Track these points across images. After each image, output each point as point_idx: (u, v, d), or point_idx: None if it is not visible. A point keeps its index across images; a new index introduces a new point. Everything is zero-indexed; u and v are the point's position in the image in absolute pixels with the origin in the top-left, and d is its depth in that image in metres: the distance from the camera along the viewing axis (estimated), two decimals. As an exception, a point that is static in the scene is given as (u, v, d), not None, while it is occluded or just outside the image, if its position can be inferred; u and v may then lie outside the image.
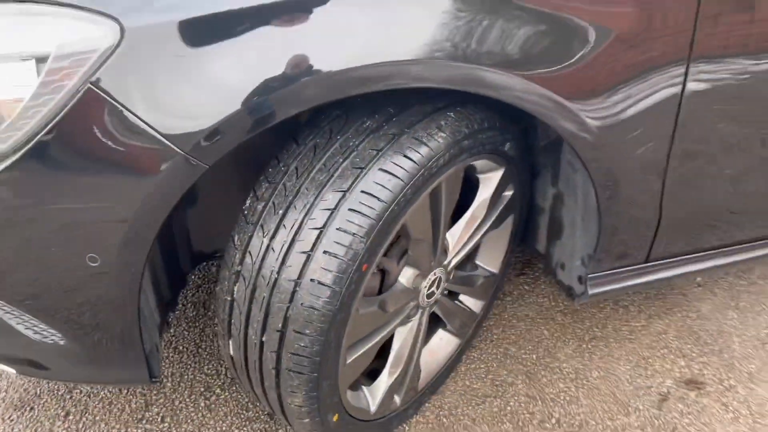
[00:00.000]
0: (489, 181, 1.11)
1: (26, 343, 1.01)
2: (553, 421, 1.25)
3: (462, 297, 1.29)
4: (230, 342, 0.99)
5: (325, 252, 0.86)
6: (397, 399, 1.17)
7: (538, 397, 1.29)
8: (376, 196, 0.87)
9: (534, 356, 1.39)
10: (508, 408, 1.27)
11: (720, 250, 1.25)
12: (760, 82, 1.02)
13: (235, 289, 0.94)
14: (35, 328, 1.01)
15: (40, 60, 0.78)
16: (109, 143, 0.81)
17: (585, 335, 1.43)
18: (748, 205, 1.23)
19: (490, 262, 1.30)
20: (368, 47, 0.79)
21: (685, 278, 1.32)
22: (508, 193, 1.18)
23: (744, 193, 1.18)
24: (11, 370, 1.06)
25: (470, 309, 1.31)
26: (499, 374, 1.35)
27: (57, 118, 0.78)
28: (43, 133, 0.79)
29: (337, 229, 0.87)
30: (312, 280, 0.87)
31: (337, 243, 0.86)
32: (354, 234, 0.87)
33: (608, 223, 1.09)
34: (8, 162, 0.81)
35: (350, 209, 0.87)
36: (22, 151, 0.80)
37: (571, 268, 1.23)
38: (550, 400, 1.29)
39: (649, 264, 1.20)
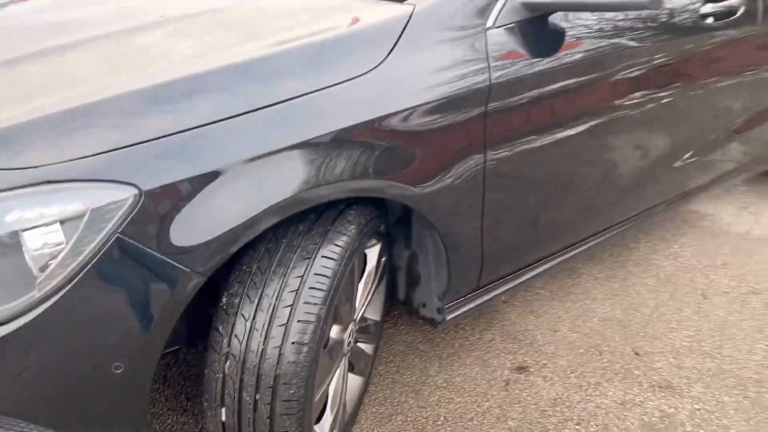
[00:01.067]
0: (374, 254, 1.57)
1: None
2: (442, 419, 1.70)
3: (360, 343, 1.71)
4: (223, 410, 1.28)
5: (298, 321, 1.23)
6: (335, 432, 1.53)
7: (426, 405, 1.74)
8: (324, 275, 1.27)
9: (413, 378, 1.84)
10: (408, 419, 1.70)
11: (531, 265, 1.85)
12: (531, 157, 1.61)
13: (226, 366, 1.25)
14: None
15: (78, 218, 1.07)
16: (134, 274, 1.11)
17: (443, 354, 1.93)
18: (543, 234, 1.84)
19: (374, 312, 1.74)
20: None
21: (508, 293, 1.88)
22: (383, 259, 1.64)
23: (539, 226, 1.79)
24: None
25: (366, 352, 1.73)
26: (393, 397, 1.77)
27: (96, 261, 1.07)
28: (87, 272, 1.06)
29: (303, 303, 1.24)
30: (293, 342, 1.23)
31: (306, 312, 1.24)
32: (315, 304, 1.25)
33: (453, 267, 1.61)
34: (55, 300, 1.06)
35: (309, 287, 1.26)
36: (69, 287, 1.06)
37: (431, 305, 1.71)
38: (434, 405, 1.74)
39: (480, 289, 1.75)
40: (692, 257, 2.43)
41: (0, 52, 1.45)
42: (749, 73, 2.15)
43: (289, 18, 1.50)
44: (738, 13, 1.95)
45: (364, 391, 1.73)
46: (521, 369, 1.88)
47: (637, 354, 1.93)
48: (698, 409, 1.73)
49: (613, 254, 2.44)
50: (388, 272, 1.73)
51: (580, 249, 1.99)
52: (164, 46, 1.41)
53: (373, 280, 1.61)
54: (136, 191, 1.08)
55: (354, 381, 1.68)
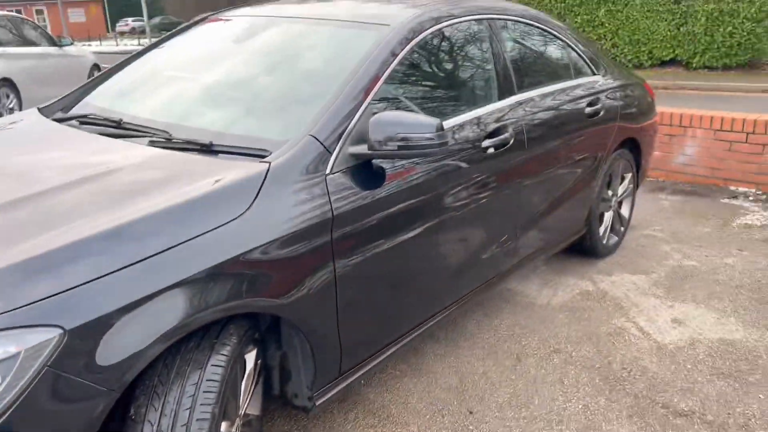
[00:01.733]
0: (251, 357, 1.91)
1: None
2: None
3: (245, 437, 2.01)
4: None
5: (197, 419, 1.55)
6: None
7: (305, 482, 2.06)
8: (215, 380, 1.61)
9: (292, 460, 2.16)
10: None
11: (382, 349, 2.27)
12: (372, 264, 2.07)
13: None
14: None
15: (12, 358, 1.34)
16: (63, 396, 1.39)
17: (315, 436, 2.28)
18: (390, 322, 2.28)
19: (254, 408, 2.05)
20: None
21: (365, 375, 2.27)
22: (259, 361, 1.99)
23: (386, 316, 2.23)
24: None
25: (251, 443, 2.03)
26: (276, 480, 2.07)
27: (27, 393, 1.34)
28: (17, 405, 1.33)
29: (200, 404, 1.57)
30: (195, 438, 1.54)
31: (202, 412, 1.56)
32: (210, 404, 1.58)
33: (318, 360, 1.99)
34: None
35: (204, 391, 1.58)
36: (4, 416, 1.32)
37: (302, 395, 2.07)
38: (312, 480, 2.07)
39: (341, 375, 2.14)
40: (508, 328, 3.01)
41: None
42: (525, 183, 2.83)
43: (168, 181, 1.85)
44: (510, 143, 2.62)
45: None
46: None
47: (471, 413, 2.41)
48: (517, 449, 2.22)
49: (448, 333, 2.95)
50: (263, 372, 2.07)
51: (421, 330, 2.47)
52: (73, 208, 1.71)
53: (253, 380, 1.94)
54: (60, 330, 1.38)
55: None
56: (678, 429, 2.32)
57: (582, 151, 3.19)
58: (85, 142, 2.19)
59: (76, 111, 2.57)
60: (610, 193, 3.67)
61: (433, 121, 1.98)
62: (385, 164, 2.12)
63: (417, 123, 1.98)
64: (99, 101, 2.61)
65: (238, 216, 1.73)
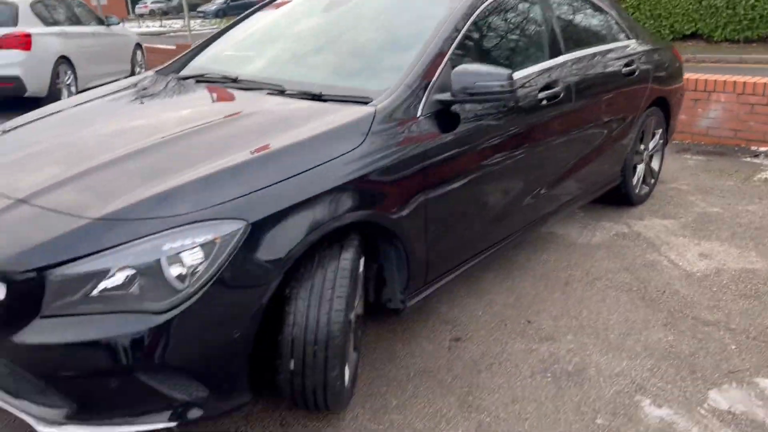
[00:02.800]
0: (361, 264, 2.37)
1: (178, 404, 1.86)
2: (411, 374, 2.50)
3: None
4: (292, 361, 2.00)
5: (338, 297, 2.01)
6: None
7: (397, 366, 2.53)
8: (347, 269, 2.06)
9: (384, 355, 2.63)
10: (388, 378, 2.48)
11: (455, 268, 2.73)
12: (452, 195, 2.51)
13: (294, 331, 1.98)
14: (185, 392, 1.86)
15: (211, 243, 1.81)
16: (247, 274, 1.86)
17: (403, 339, 2.74)
18: (463, 245, 2.73)
19: (359, 307, 2.51)
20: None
21: (441, 288, 2.71)
22: (361, 270, 2.45)
23: (460, 240, 2.68)
24: (171, 424, 1.85)
25: (358, 334, 2.49)
26: (373, 364, 2.54)
27: (220, 272, 1.80)
28: (215, 279, 1.80)
29: (339, 286, 2.02)
30: (336, 311, 1.99)
31: (340, 290, 2.02)
32: (345, 287, 2.03)
33: (411, 270, 2.45)
34: (200, 294, 1.78)
35: (341, 277, 2.04)
36: (206, 287, 1.79)
37: (395, 299, 2.53)
38: (404, 366, 2.54)
39: (426, 284, 2.60)
40: (555, 261, 3.45)
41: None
42: (571, 133, 3.25)
43: (304, 119, 2.31)
44: (560, 96, 3.04)
45: (358, 362, 2.49)
46: (456, 340, 2.74)
47: (529, 322, 2.87)
48: (572, 348, 2.67)
49: (501, 264, 3.40)
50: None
51: (486, 255, 2.92)
52: (229, 141, 2.17)
53: (361, 284, 2.41)
54: (245, 222, 1.85)
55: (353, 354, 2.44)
56: (706, 334, 2.76)
57: (619, 107, 3.60)
58: (215, 94, 2.65)
59: (190, 72, 3.03)
60: (642, 147, 4.08)
61: (505, 72, 2.42)
62: (461, 110, 2.55)
63: (492, 73, 2.41)
64: (208, 64, 3.07)
65: (356, 147, 2.18)
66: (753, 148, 5.48)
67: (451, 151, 2.49)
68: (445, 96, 2.46)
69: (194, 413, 1.89)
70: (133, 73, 10.29)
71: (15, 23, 7.53)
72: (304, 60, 2.85)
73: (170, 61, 3.28)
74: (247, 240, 1.85)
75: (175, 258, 1.78)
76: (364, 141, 2.21)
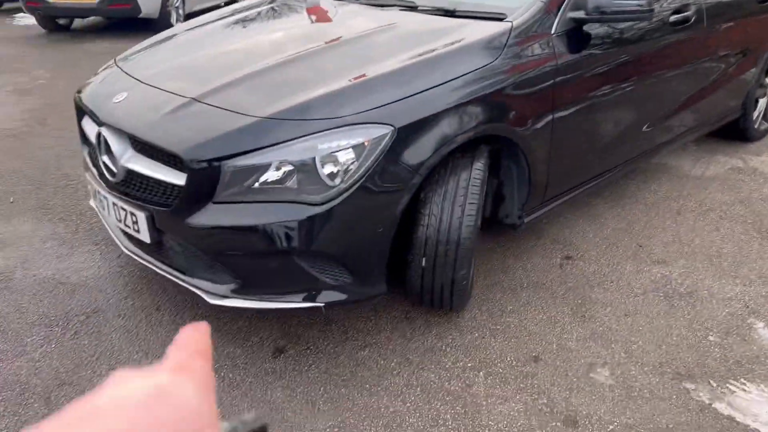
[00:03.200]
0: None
1: (325, 287, 2.07)
2: (524, 284, 2.64)
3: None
4: (423, 259, 2.18)
5: (470, 203, 2.15)
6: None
7: (510, 277, 2.68)
8: (478, 177, 2.19)
9: (500, 265, 2.78)
10: (504, 287, 2.63)
11: (572, 189, 2.81)
12: (584, 115, 2.58)
13: (427, 231, 2.14)
14: (332, 277, 2.08)
15: (361, 145, 1.96)
16: (390, 176, 2.01)
17: (515, 252, 2.88)
18: (581, 167, 2.80)
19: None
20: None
21: (556, 207, 2.81)
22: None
23: (579, 161, 2.75)
24: (319, 304, 2.08)
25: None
26: (490, 271, 2.70)
27: (369, 172, 1.97)
28: (365, 177, 1.96)
29: (470, 193, 2.16)
30: (467, 215, 2.14)
31: (473, 197, 2.16)
32: (477, 194, 2.17)
33: (532, 186, 2.55)
34: (350, 191, 1.96)
35: (472, 184, 2.18)
36: (356, 185, 1.96)
37: (513, 215, 2.65)
38: (514, 275, 2.69)
39: (544, 202, 2.70)
40: (666, 191, 3.45)
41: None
42: (696, 60, 3.18)
43: (442, 33, 2.41)
44: (691, 20, 2.97)
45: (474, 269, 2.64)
46: (568, 258, 2.85)
47: (640, 246, 2.93)
48: (683, 272, 2.73)
49: (613, 192, 3.44)
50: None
51: (600, 180, 2.97)
52: (375, 53, 2.31)
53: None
54: (392, 128, 1.99)
55: (470, 263, 2.60)
56: (824, 268, 2.74)
57: (749, 36, 3.47)
58: (351, 9, 2.78)
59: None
60: (767, 80, 3.92)
61: None
62: (591, 30, 2.57)
63: None
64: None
65: (493, 61, 2.26)
66: None
67: (581, 71, 2.52)
68: (579, 14, 2.48)
69: (338, 296, 2.11)
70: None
71: (130, -54, 7.82)
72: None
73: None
74: (393, 144, 2.00)
75: (329, 157, 1.96)
76: (500, 56, 2.28)
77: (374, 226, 2.05)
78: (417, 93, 2.08)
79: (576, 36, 2.52)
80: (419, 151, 2.06)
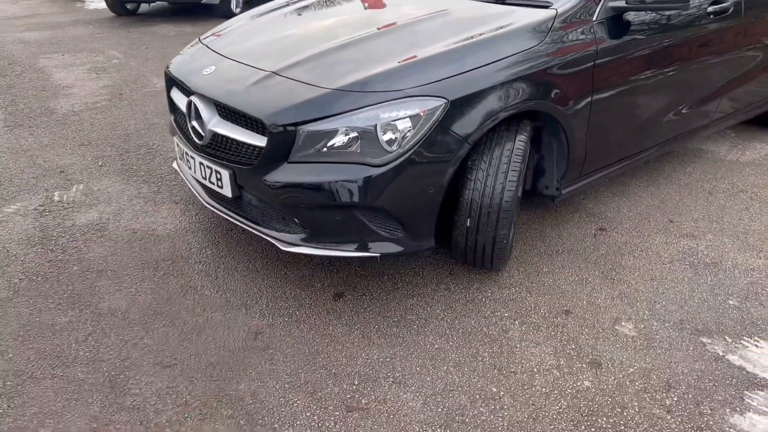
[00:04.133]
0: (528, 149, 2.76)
1: (382, 239, 2.38)
2: (559, 250, 2.90)
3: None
4: (468, 219, 2.46)
5: (512, 170, 2.42)
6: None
7: (542, 248, 2.94)
8: (521, 149, 2.45)
9: (536, 235, 3.03)
10: (534, 250, 2.90)
11: (608, 166, 3.05)
12: (621, 97, 2.81)
13: (472, 195, 2.42)
14: (388, 231, 2.38)
15: (417, 116, 2.25)
16: (443, 144, 2.30)
17: (552, 224, 3.13)
18: (617, 145, 3.03)
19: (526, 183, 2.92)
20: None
21: (593, 183, 3.05)
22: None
23: (614, 140, 2.98)
24: (375, 255, 2.39)
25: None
26: (526, 239, 2.96)
27: (423, 139, 2.25)
28: (419, 144, 2.25)
29: (513, 162, 2.43)
30: (510, 181, 2.41)
31: (515, 165, 2.42)
32: (519, 163, 2.43)
33: (570, 160, 2.80)
34: (406, 155, 2.25)
35: (515, 154, 2.44)
36: (411, 151, 2.25)
37: (552, 187, 2.90)
38: (545, 246, 2.94)
39: (581, 176, 2.94)
40: (701, 174, 3.64)
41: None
42: (734, 49, 3.35)
43: (491, 18, 2.67)
44: (729, 11, 3.15)
45: (514, 236, 2.91)
46: (602, 230, 3.09)
47: (670, 221, 3.14)
48: (710, 245, 2.94)
49: (648, 172, 3.64)
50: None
51: (636, 159, 3.20)
52: (429, 35, 2.60)
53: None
54: (445, 101, 2.27)
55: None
56: None
57: (788, 26, 3.61)
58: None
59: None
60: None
61: None
62: (631, 18, 2.79)
63: None
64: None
65: (539, 43, 2.51)
66: None
67: (619, 55, 2.75)
68: (620, 3, 2.71)
69: (393, 248, 2.41)
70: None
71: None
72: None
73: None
74: (446, 115, 2.28)
75: (389, 125, 2.25)
76: (545, 38, 2.54)
77: (426, 188, 2.34)
78: (468, 70, 2.35)
79: (616, 23, 2.74)
80: (469, 123, 2.34)
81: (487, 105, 2.37)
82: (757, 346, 2.31)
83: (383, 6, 3.14)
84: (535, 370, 2.20)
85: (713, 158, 3.85)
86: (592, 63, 2.65)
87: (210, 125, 2.53)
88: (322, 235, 2.43)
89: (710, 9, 3.07)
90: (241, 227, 2.60)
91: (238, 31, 3.11)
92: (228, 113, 2.50)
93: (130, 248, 2.90)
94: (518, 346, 2.31)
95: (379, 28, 2.71)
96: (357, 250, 2.41)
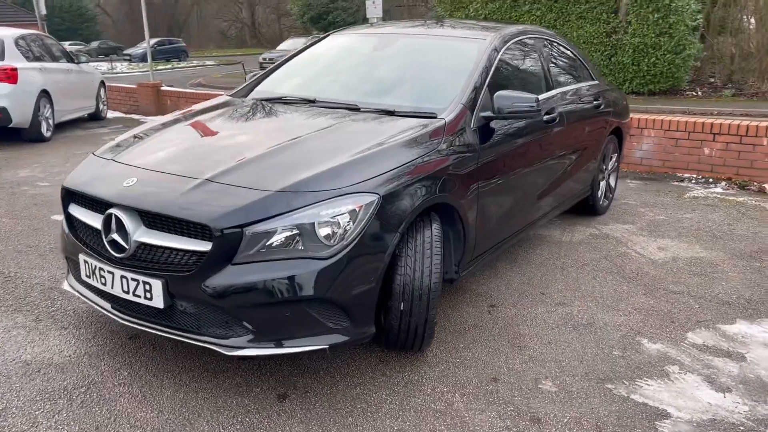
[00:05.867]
0: (432, 239, 3.07)
1: (329, 331, 2.47)
2: (470, 326, 3.19)
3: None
4: (402, 303, 2.64)
5: (435, 255, 2.70)
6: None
7: (457, 324, 3.22)
8: (437, 237, 2.76)
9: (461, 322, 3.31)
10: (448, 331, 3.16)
11: (496, 245, 3.47)
12: (492, 187, 3.28)
13: (403, 281, 2.63)
14: (334, 321, 2.48)
15: (354, 211, 2.48)
16: (379, 235, 2.53)
17: (449, 304, 3.44)
18: (498, 229, 3.47)
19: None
20: None
21: (482, 265, 3.44)
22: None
23: (497, 224, 3.42)
24: (324, 346, 2.45)
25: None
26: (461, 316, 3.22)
27: (363, 231, 2.47)
28: (360, 236, 2.46)
29: (435, 247, 2.71)
30: (435, 264, 2.68)
31: (436, 252, 2.71)
32: (439, 248, 2.73)
33: (466, 247, 3.16)
34: (350, 247, 2.44)
35: (434, 242, 2.74)
36: (354, 242, 2.45)
37: (450, 271, 3.22)
38: (462, 318, 3.23)
39: (473, 260, 3.31)
40: (548, 254, 4.27)
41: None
42: (562, 150, 4.11)
43: (393, 127, 3.02)
44: (557, 120, 3.91)
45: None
46: (492, 306, 3.46)
47: (542, 293, 3.63)
48: (580, 310, 3.45)
49: (509, 256, 4.17)
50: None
51: (510, 241, 3.69)
52: (342, 143, 2.85)
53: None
54: (378, 195, 2.52)
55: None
56: (676, 299, 3.61)
57: (592, 132, 4.53)
58: (303, 112, 3.32)
59: (265, 95, 3.68)
60: (604, 166, 5.03)
61: (533, 96, 3.24)
62: (495, 125, 3.34)
63: (524, 97, 3.22)
64: (276, 89, 3.74)
65: (439, 147, 2.91)
66: (678, 174, 6.61)
67: (490, 155, 3.26)
68: (488, 113, 3.25)
69: (340, 338, 2.50)
70: (98, 109, 10.58)
71: (2, 57, 7.80)
72: (370, 87, 3.57)
73: (237, 89, 3.92)
74: (379, 209, 2.52)
75: (330, 221, 2.42)
76: (441, 143, 2.94)
77: (368, 276, 2.51)
78: (392, 169, 2.64)
79: (484, 130, 3.27)
80: (398, 214, 2.59)
81: (410, 198, 2.66)
82: (648, 384, 2.76)
83: (290, 119, 3.33)
84: (492, 432, 2.39)
85: (553, 240, 4.54)
86: (475, 162, 3.11)
87: (135, 236, 2.47)
88: (269, 334, 2.44)
89: (546, 118, 3.79)
90: (171, 339, 2.50)
91: (142, 145, 3.06)
92: (155, 222, 2.47)
93: (30, 381, 2.58)
94: (467, 415, 2.49)
95: (293, 138, 2.90)
96: (306, 344, 2.45)
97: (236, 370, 2.72)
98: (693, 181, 6.41)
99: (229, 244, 2.35)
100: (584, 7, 15.30)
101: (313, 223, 2.40)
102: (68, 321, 3.08)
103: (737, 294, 3.69)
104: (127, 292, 2.52)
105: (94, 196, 2.64)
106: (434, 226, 2.80)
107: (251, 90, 3.89)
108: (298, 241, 2.39)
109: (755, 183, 6.17)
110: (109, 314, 2.64)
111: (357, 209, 2.47)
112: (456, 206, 2.99)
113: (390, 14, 31.62)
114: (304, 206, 2.41)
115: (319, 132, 2.98)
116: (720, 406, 2.59)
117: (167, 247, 2.44)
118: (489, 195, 3.29)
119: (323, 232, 2.41)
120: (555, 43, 4.43)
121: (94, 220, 2.64)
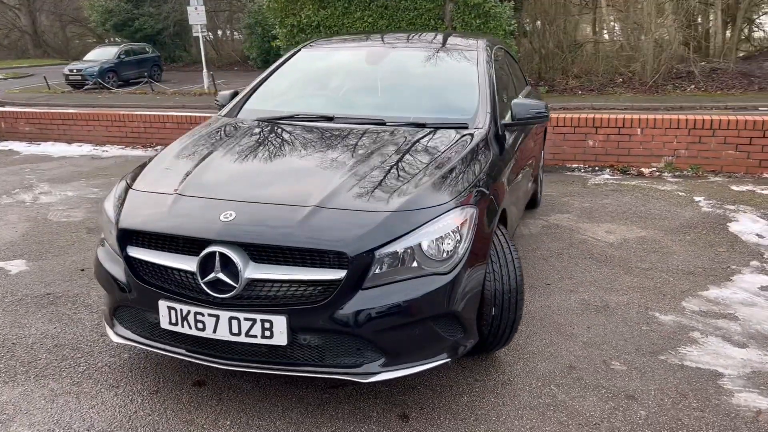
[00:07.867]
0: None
1: (448, 345, 2.50)
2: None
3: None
4: (493, 308, 2.74)
5: (515, 266, 2.83)
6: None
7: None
8: (510, 242, 2.90)
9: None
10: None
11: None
12: (514, 188, 3.49)
13: (495, 288, 2.73)
14: (451, 334, 2.51)
15: (463, 225, 2.54)
16: (481, 243, 2.61)
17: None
18: (516, 219, 3.68)
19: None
20: None
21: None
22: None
23: (515, 218, 3.63)
24: (447, 360, 2.46)
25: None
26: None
27: (471, 243, 2.54)
28: (470, 248, 2.53)
29: (515, 258, 2.85)
30: (517, 275, 2.81)
31: (517, 261, 2.84)
32: (517, 257, 2.87)
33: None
34: (464, 260, 2.49)
35: (515, 257, 2.87)
36: (467, 254, 2.51)
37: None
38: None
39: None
40: (520, 248, 4.58)
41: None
42: (531, 148, 4.45)
43: (449, 138, 3.09)
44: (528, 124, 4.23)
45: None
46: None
47: (547, 284, 3.92)
48: (591, 293, 3.80)
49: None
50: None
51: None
52: (414, 158, 2.86)
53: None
54: (476, 208, 2.60)
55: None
56: (650, 274, 4.10)
57: (538, 129, 4.95)
58: (334, 130, 3.24)
59: (269, 115, 3.51)
60: (542, 162, 5.50)
61: (542, 102, 3.50)
62: (507, 133, 3.55)
63: (537, 104, 3.47)
64: (281, 107, 3.60)
65: (490, 158, 3.04)
66: (568, 165, 7.38)
67: (505, 160, 3.46)
68: (506, 120, 3.45)
69: (457, 351, 2.54)
70: None
71: None
72: (371, 102, 3.60)
73: (227, 108, 3.69)
74: (478, 219, 2.59)
75: (444, 237, 2.43)
76: (489, 151, 3.08)
77: (477, 286, 2.57)
78: (475, 181, 2.72)
79: (501, 136, 3.46)
80: (489, 223, 2.69)
81: (492, 205, 2.77)
82: (688, 351, 3.15)
83: (338, 141, 3.17)
84: None
85: (516, 234, 4.88)
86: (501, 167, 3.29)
87: (247, 273, 2.29)
88: (400, 355, 2.41)
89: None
90: (291, 375, 2.37)
91: (201, 177, 2.75)
92: (265, 256, 2.31)
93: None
94: (575, 404, 2.68)
95: (358, 158, 2.83)
96: (432, 360, 2.46)
97: (337, 398, 2.63)
98: (582, 171, 7.20)
99: (362, 269, 2.28)
100: (413, 14, 16.09)
101: (432, 240, 2.41)
102: (115, 379, 2.71)
103: (691, 264, 4.29)
104: (238, 334, 2.32)
105: (185, 235, 2.36)
106: (502, 230, 2.94)
107: (240, 107, 3.68)
108: (418, 260, 2.39)
109: (634, 168, 7.10)
110: (209, 362, 2.40)
111: (464, 222, 2.52)
112: (508, 211, 3.15)
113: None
114: (422, 224, 2.41)
115: (374, 148, 2.95)
116: (751, 360, 3.05)
117: (288, 280, 2.29)
118: (510, 198, 3.48)
119: (441, 248, 2.43)
120: (503, 49, 4.76)
121: (181, 262, 2.37)
